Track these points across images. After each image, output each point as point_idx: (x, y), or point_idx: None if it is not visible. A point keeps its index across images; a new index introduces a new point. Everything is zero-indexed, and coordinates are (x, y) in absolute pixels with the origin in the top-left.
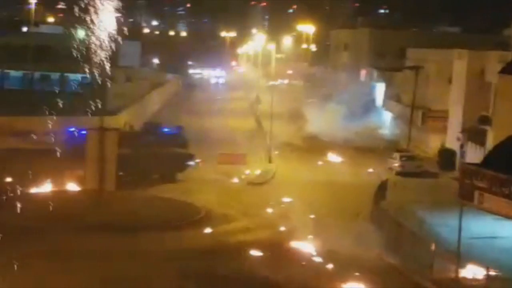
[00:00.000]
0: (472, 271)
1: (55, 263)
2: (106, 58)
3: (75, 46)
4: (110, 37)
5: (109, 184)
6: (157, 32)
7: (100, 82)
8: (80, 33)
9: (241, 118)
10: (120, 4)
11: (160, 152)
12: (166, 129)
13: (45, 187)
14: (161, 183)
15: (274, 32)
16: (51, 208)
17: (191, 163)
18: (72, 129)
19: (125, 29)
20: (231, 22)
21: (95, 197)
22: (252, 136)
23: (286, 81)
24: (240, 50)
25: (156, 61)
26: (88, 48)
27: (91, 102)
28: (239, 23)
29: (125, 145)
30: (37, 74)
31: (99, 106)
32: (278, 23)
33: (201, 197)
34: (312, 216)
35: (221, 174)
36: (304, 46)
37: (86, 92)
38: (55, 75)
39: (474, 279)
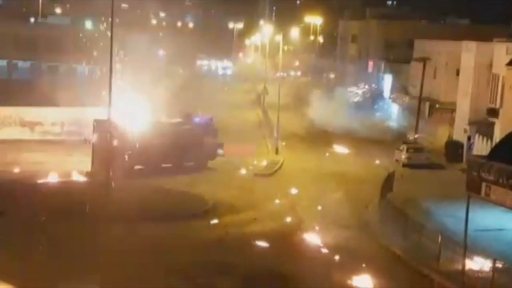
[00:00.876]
0: (478, 263)
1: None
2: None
3: (83, 37)
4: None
5: (116, 175)
6: (164, 24)
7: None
8: (88, 24)
9: (248, 109)
10: None
11: (194, 141)
12: (198, 119)
13: (52, 178)
14: (194, 171)
15: (282, 24)
16: (57, 199)
17: (220, 151)
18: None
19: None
20: (238, 13)
21: (103, 188)
22: (259, 127)
23: (293, 73)
24: (248, 41)
25: (163, 52)
26: (95, 40)
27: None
28: (247, 14)
29: (162, 134)
30: (44, 65)
31: (106, 97)
32: (285, 15)
33: (208, 188)
34: (319, 208)
35: (228, 165)
36: (312, 37)
37: (93, 83)
38: (63, 67)
39: (481, 271)
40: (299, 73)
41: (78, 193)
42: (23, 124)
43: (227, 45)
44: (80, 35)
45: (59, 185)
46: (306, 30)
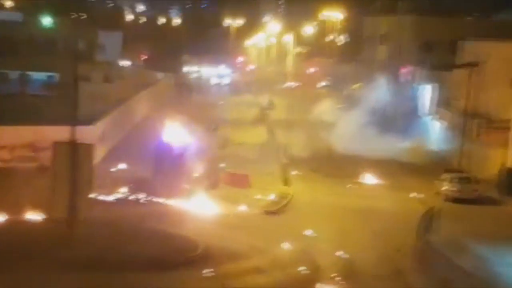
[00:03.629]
0: None
1: None
2: (78, 52)
3: (39, 37)
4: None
5: (82, 211)
6: (143, 20)
7: (71, 83)
8: (46, 21)
9: (250, 129)
10: None
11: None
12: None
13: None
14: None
15: (292, 20)
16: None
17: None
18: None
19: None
20: (237, 7)
21: (65, 227)
22: (263, 151)
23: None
24: (249, 43)
25: (142, 56)
26: (55, 40)
27: (58, 108)
28: (248, 8)
29: None
30: None
31: (70, 113)
32: (297, 8)
33: (198, 227)
34: (340, 253)
35: (225, 200)
36: (330, 37)
37: (53, 95)
38: (14, 74)
39: None
40: (318, 82)
41: (32, 235)
42: None
43: (223, 48)
44: (35, 34)
45: (7, 225)
46: (323, 28)
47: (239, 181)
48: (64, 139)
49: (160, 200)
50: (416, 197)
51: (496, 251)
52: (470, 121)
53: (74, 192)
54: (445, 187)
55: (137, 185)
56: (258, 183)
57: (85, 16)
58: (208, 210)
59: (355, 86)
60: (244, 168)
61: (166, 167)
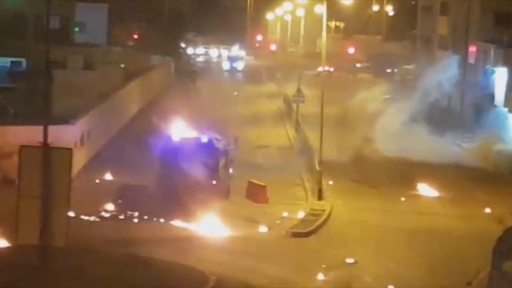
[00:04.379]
0: None
1: None
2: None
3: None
4: None
5: (58, 236)
6: None
7: (42, 71)
8: None
9: (273, 128)
10: None
11: None
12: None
13: None
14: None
15: None
16: None
17: None
18: None
19: None
20: None
21: (36, 257)
22: (289, 156)
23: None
24: (271, 17)
25: (133, 35)
26: (22, 17)
27: (26, 102)
28: None
29: None
30: None
31: (41, 109)
32: None
33: (209, 256)
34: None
35: (239, 218)
36: (376, 8)
37: (19, 86)
38: None
39: None
40: (358, 65)
41: None
42: None
43: (237, 24)
44: None
45: None
46: None
47: (255, 193)
48: (34, 143)
49: (162, 219)
50: (490, 213)
51: None
52: None
53: (47, 211)
54: None
55: (129, 201)
56: (283, 196)
57: None
58: (219, 231)
59: (385, 96)
60: (264, 177)
61: (183, 173)
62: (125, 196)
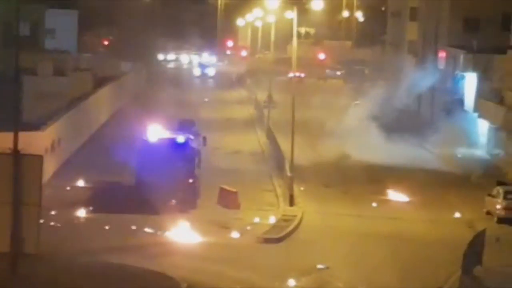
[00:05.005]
0: None
1: None
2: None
3: None
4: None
5: (28, 242)
6: None
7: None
8: None
9: (243, 133)
10: None
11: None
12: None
13: None
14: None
15: None
16: None
17: None
18: None
19: None
20: None
21: (6, 265)
22: (261, 162)
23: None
24: (241, 22)
25: (104, 41)
26: None
27: None
28: None
29: None
30: None
31: (11, 115)
32: None
33: (180, 262)
34: None
35: (210, 224)
36: (346, 14)
37: None
38: None
39: None
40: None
41: None
42: None
43: (208, 30)
44: None
45: None
46: (336, 3)
47: (226, 199)
48: (5, 150)
49: (134, 226)
50: (460, 217)
51: None
52: None
53: (18, 218)
54: (499, 204)
55: (101, 206)
56: (255, 202)
57: None
58: (190, 237)
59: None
60: (236, 183)
61: (163, 171)
62: (97, 202)
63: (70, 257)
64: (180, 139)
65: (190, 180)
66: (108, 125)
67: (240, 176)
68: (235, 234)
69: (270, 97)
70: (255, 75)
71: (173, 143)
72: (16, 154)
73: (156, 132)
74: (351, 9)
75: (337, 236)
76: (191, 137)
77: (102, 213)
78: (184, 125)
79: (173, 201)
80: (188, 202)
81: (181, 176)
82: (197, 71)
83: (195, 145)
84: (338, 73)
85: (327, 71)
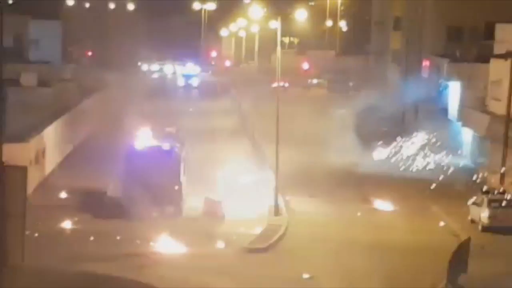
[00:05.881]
0: None
1: None
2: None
3: None
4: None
5: (13, 253)
6: (87, 5)
7: None
8: None
9: (229, 143)
10: None
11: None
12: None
13: None
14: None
15: (280, 2)
16: None
17: None
18: None
19: None
20: None
21: None
22: (246, 171)
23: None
24: (225, 33)
25: (87, 52)
26: None
27: None
28: None
29: None
30: None
31: None
32: None
33: (166, 272)
34: None
35: (199, 235)
36: (329, 24)
37: None
38: None
39: None
40: (311, 81)
41: None
42: None
43: (191, 40)
44: None
45: None
46: (320, 13)
47: (211, 209)
48: None
49: (119, 237)
50: (445, 226)
51: None
52: None
53: (3, 229)
54: (483, 213)
55: (85, 217)
56: (240, 212)
57: (11, 2)
58: (176, 248)
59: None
60: (221, 193)
61: (151, 176)
62: (81, 213)
63: (55, 268)
64: (166, 146)
65: (176, 187)
66: (93, 135)
67: (225, 186)
68: (220, 244)
69: (254, 106)
70: (239, 85)
71: (159, 150)
72: (0, 166)
73: (142, 139)
74: (335, 18)
75: (322, 246)
76: (177, 144)
77: (87, 223)
78: (169, 133)
79: (159, 209)
80: (173, 209)
81: (166, 183)
82: (181, 81)
83: (180, 152)
84: (315, 81)
85: (308, 81)
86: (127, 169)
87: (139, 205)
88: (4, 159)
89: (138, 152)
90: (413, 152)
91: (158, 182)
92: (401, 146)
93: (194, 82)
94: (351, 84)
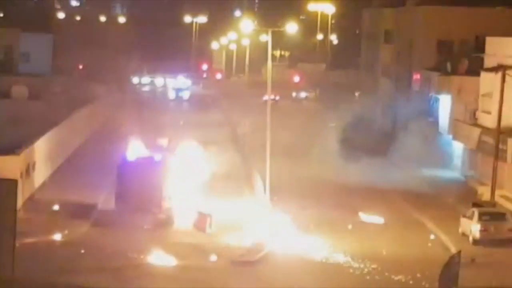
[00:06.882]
0: None
1: None
2: None
3: None
4: None
5: (4, 266)
6: (78, 18)
7: None
8: None
9: (219, 157)
10: None
11: None
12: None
13: None
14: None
15: (271, 16)
16: None
17: None
18: None
19: None
20: (200, 1)
21: None
22: (236, 184)
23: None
24: (216, 46)
25: (78, 65)
26: None
27: None
28: (214, 1)
29: None
30: None
31: None
32: (277, 1)
33: (156, 285)
34: None
35: (189, 247)
36: (320, 37)
37: None
38: None
39: None
40: (297, 94)
41: None
42: None
43: (182, 53)
44: None
45: None
46: (311, 26)
47: (202, 222)
48: None
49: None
50: (435, 239)
51: None
52: (504, 141)
53: None
54: (474, 226)
55: (76, 229)
56: (230, 224)
57: (2, 15)
58: (166, 260)
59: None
60: (211, 205)
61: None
62: (72, 225)
63: (46, 281)
64: (158, 157)
65: (167, 198)
66: (83, 148)
67: (215, 198)
68: (210, 257)
69: (245, 120)
70: (230, 98)
71: (150, 161)
72: None
73: (134, 151)
74: (325, 31)
75: (312, 259)
76: (168, 155)
77: (77, 236)
78: (161, 145)
79: (151, 218)
80: (165, 219)
81: (158, 193)
82: (172, 94)
83: (171, 163)
84: (303, 95)
85: (294, 93)
86: (119, 179)
87: (131, 216)
88: None
89: (130, 163)
90: (402, 164)
91: (149, 192)
92: (390, 159)
93: (185, 95)
94: (341, 96)
